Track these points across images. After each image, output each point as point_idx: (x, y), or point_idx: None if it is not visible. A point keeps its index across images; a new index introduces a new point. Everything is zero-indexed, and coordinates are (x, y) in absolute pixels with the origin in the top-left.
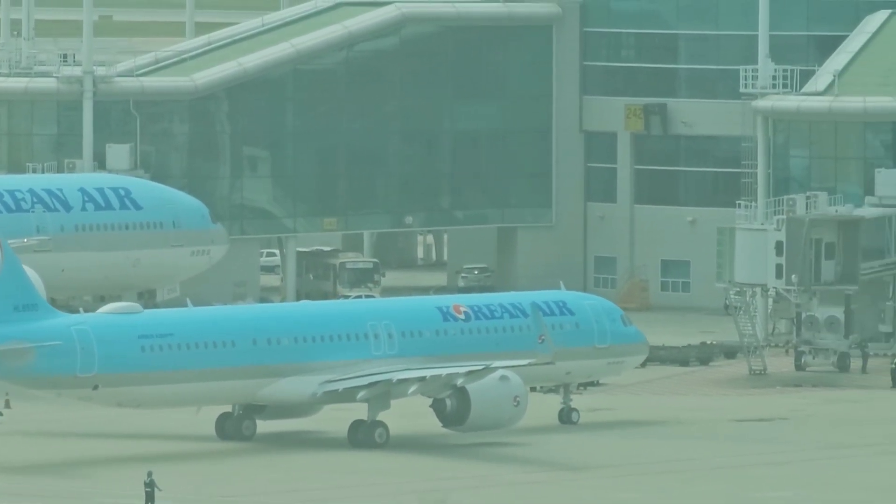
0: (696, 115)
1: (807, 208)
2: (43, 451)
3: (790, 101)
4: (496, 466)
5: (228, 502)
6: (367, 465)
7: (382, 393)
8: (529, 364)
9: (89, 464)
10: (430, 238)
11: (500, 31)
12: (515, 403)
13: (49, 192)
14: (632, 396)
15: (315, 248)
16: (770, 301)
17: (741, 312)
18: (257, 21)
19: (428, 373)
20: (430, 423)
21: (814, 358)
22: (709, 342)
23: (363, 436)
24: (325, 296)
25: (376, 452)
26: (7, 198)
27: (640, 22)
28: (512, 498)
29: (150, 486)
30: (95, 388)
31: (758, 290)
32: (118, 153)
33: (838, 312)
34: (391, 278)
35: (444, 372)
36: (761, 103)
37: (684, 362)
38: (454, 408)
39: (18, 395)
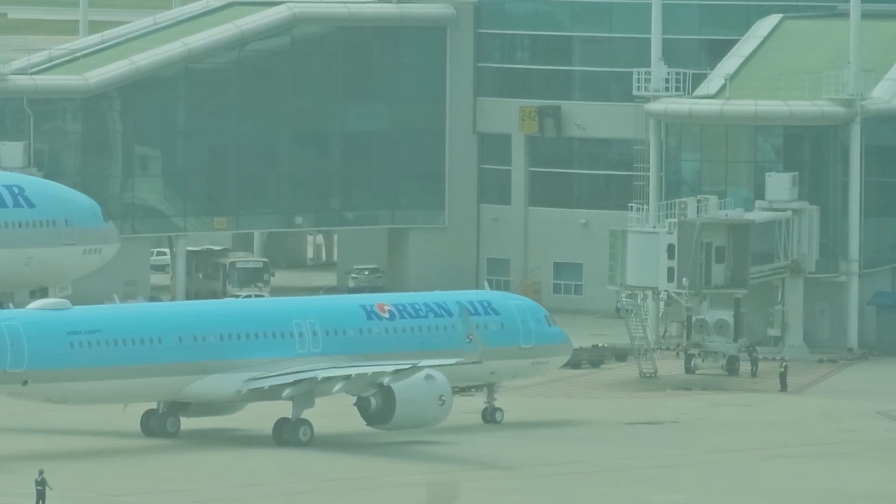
0: (589, 118)
1: (698, 212)
2: None
3: (682, 105)
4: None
5: (117, 501)
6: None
7: (307, 391)
8: (457, 363)
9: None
10: (319, 238)
11: (393, 31)
12: (440, 402)
13: None
14: (523, 398)
15: (205, 247)
16: (661, 304)
17: (632, 315)
18: (150, 20)
19: (353, 371)
20: (355, 422)
21: (703, 361)
22: (600, 345)
23: (288, 434)
24: (214, 295)
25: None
26: None
27: (535, 24)
28: (402, 498)
29: (41, 484)
30: (25, 383)
31: (649, 293)
32: (11, 151)
33: (728, 316)
34: (281, 278)
35: (369, 370)
36: (654, 106)
37: (576, 364)
38: (379, 406)
39: None
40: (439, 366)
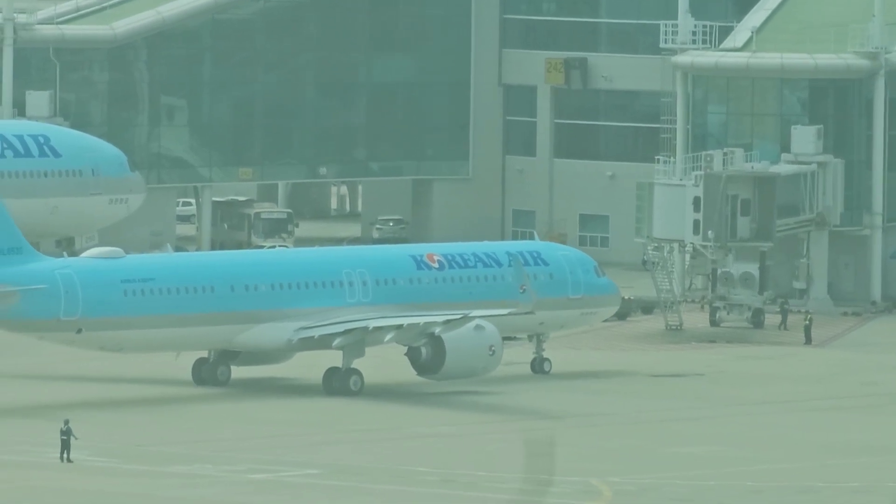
0: (616, 70)
1: (724, 164)
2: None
3: (709, 57)
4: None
5: (138, 451)
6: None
7: (358, 340)
8: (510, 314)
9: (18, 411)
10: (343, 189)
11: None
12: (490, 353)
13: None
14: (550, 351)
15: (230, 197)
16: (687, 257)
17: (658, 268)
18: None
19: (405, 321)
20: (405, 372)
21: (728, 314)
22: (626, 297)
23: (338, 383)
24: (239, 245)
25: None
26: None
27: None
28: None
29: (66, 433)
30: (79, 331)
31: (675, 245)
32: (38, 100)
33: (753, 269)
34: (305, 229)
35: (421, 320)
36: (680, 59)
37: None
38: (429, 356)
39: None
40: (491, 316)
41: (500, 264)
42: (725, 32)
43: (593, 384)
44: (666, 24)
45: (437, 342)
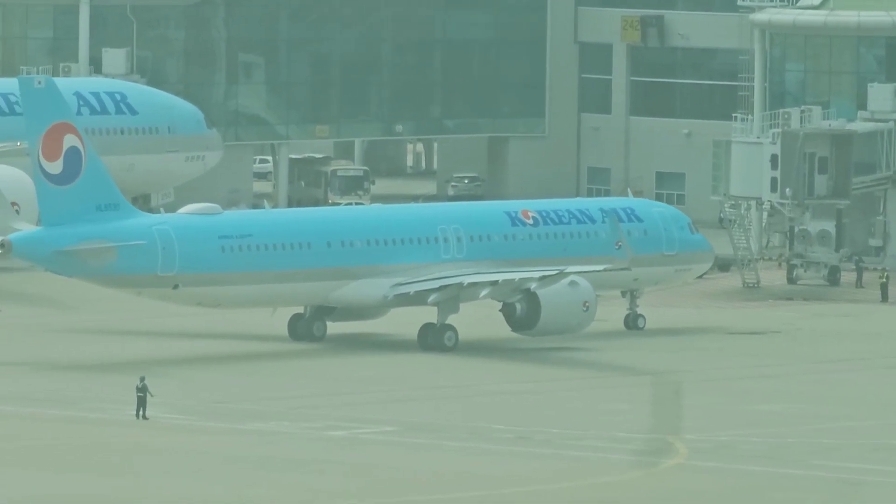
0: (692, 28)
1: (801, 122)
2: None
3: (786, 15)
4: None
5: (216, 408)
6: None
7: (453, 296)
8: (606, 269)
9: (100, 368)
10: (419, 146)
11: None
12: (585, 308)
13: None
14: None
15: (307, 155)
16: (764, 214)
17: (735, 225)
18: None
19: (500, 276)
20: (498, 327)
21: (805, 271)
22: None
23: (433, 339)
24: (316, 202)
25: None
26: (1, 101)
27: None
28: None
29: (142, 391)
30: (176, 287)
31: (752, 203)
32: (114, 58)
33: (830, 226)
34: (381, 186)
35: (516, 276)
36: (758, 16)
37: None
38: (524, 312)
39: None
40: (586, 272)
41: (593, 221)
42: None
43: (669, 341)
44: None
45: (532, 298)
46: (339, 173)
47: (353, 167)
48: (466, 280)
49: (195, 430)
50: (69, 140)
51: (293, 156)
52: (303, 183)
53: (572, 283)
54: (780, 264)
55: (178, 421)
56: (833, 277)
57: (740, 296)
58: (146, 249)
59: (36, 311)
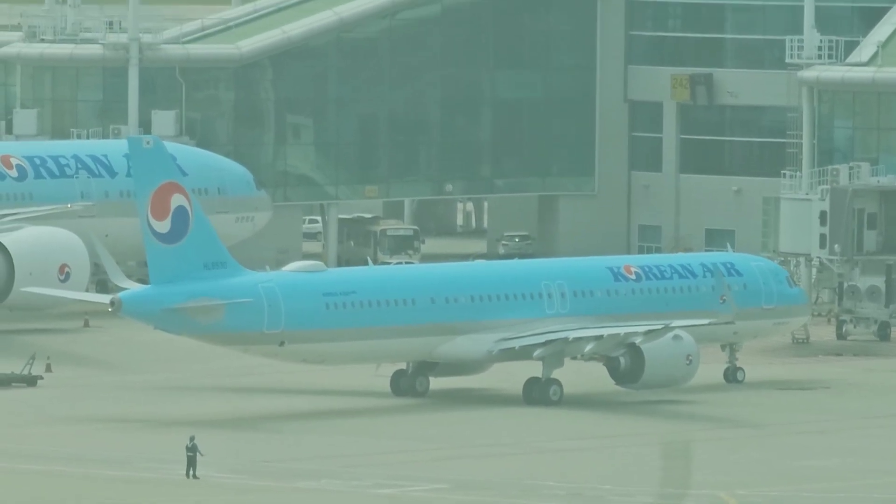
0: (741, 85)
1: (850, 178)
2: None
3: (835, 72)
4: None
5: (262, 467)
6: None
7: (558, 351)
8: (710, 324)
9: (145, 426)
10: (469, 205)
11: None
12: (688, 362)
13: (94, 157)
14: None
15: (356, 214)
16: (813, 270)
17: None
18: None
19: (605, 331)
20: (602, 382)
21: (855, 327)
22: None
23: (538, 393)
24: (365, 263)
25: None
26: (51, 164)
27: None
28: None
29: (191, 450)
30: (282, 344)
31: (801, 259)
32: (164, 119)
33: (880, 282)
34: (431, 245)
35: (621, 330)
36: (806, 74)
37: None
38: (628, 366)
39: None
40: (690, 326)
41: (694, 275)
42: (851, 47)
43: (719, 397)
44: (792, 40)
45: (636, 352)
46: (389, 233)
47: (403, 226)
48: (571, 335)
49: (245, 490)
50: (177, 199)
51: (342, 216)
52: (352, 243)
53: (676, 336)
54: (829, 320)
55: (228, 480)
56: (883, 333)
57: (790, 351)
58: (253, 307)
59: (86, 372)
